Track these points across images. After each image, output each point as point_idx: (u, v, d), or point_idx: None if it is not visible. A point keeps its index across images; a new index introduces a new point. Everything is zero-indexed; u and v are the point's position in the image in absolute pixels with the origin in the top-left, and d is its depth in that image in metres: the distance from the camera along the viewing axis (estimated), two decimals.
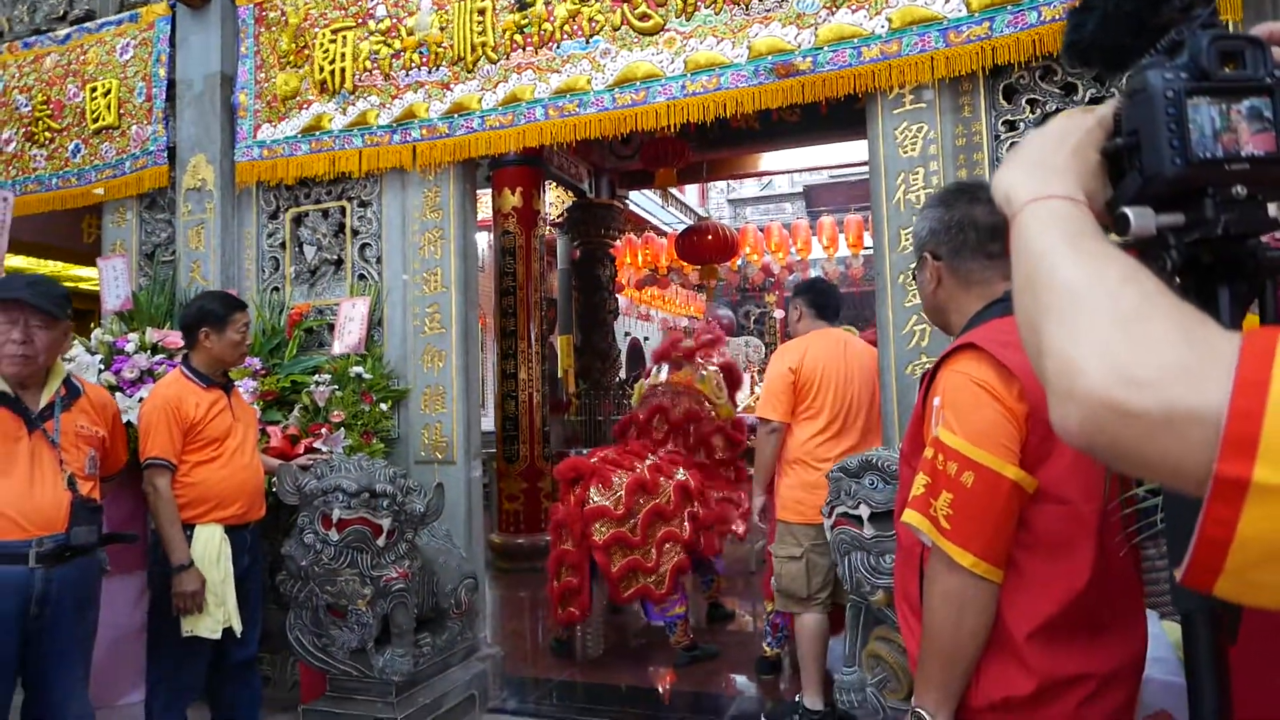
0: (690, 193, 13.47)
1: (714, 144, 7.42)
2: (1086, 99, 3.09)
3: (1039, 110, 3.17)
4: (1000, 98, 3.22)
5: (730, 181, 15.37)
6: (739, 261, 10.97)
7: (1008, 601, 1.31)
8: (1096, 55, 0.80)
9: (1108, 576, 1.32)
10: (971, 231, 1.48)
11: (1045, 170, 0.71)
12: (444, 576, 3.48)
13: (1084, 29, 0.79)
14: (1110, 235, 0.68)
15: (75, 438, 2.32)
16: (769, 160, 8.53)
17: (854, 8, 3.32)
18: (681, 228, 9.78)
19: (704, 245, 8.62)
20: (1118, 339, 0.53)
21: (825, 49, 3.35)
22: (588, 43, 3.74)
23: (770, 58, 3.41)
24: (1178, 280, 0.71)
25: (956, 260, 1.50)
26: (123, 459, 2.71)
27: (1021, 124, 3.19)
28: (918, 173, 3.29)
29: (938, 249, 1.52)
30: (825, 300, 3.82)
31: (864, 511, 2.54)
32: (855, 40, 3.30)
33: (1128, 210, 0.70)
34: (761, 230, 10.53)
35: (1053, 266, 0.61)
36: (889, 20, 3.26)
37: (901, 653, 2.53)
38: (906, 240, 3.27)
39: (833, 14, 3.35)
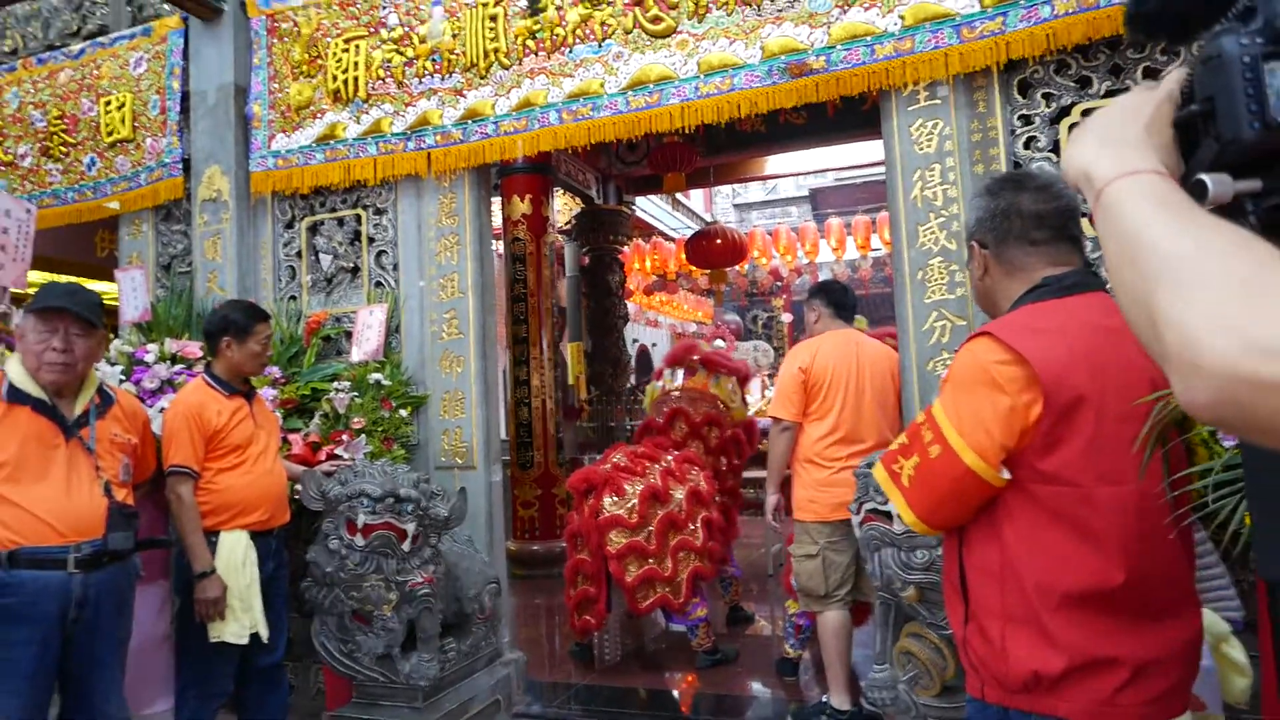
0: (696, 198, 13.49)
1: (721, 148, 7.44)
2: (1102, 91, 3.09)
3: (1054, 104, 3.17)
4: (1015, 92, 3.23)
5: (736, 186, 15.40)
6: (747, 265, 10.99)
7: (1025, 569, 1.34)
8: (1164, 24, 0.78)
9: (1147, 562, 1.32)
10: (1016, 219, 1.49)
11: (1123, 146, 0.71)
12: (466, 581, 3.48)
13: None
14: None
15: (110, 445, 2.33)
16: (776, 163, 8.54)
17: (866, 6, 3.33)
18: (688, 233, 9.79)
19: (713, 249, 8.63)
20: (1241, 308, 0.51)
21: (838, 47, 3.36)
22: (600, 46, 3.76)
23: (783, 57, 3.43)
24: None
25: (1001, 248, 1.52)
26: (152, 466, 2.73)
27: (1036, 118, 3.20)
28: (934, 169, 3.29)
29: (984, 238, 1.55)
30: (843, 299, 3.84)
31: (893, 507, 2.53)
32: (868, 38, 3.31)
33: (1205, 177, 0.69)
34: (769, 234, 10.55)
35: (1155, 239, 0.60)
36: (902, 18, 3.27)
37: (934, 649, 2.53)
38: (925, 237, 3.28)
39: (845, 12, 3.36)
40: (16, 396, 2.20)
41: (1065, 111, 3.15)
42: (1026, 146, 3.20)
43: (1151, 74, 3.08)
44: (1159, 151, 0.71)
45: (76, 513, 2.19)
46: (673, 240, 10.87)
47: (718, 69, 3.53)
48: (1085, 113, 3.10)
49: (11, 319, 2.80)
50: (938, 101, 3.28)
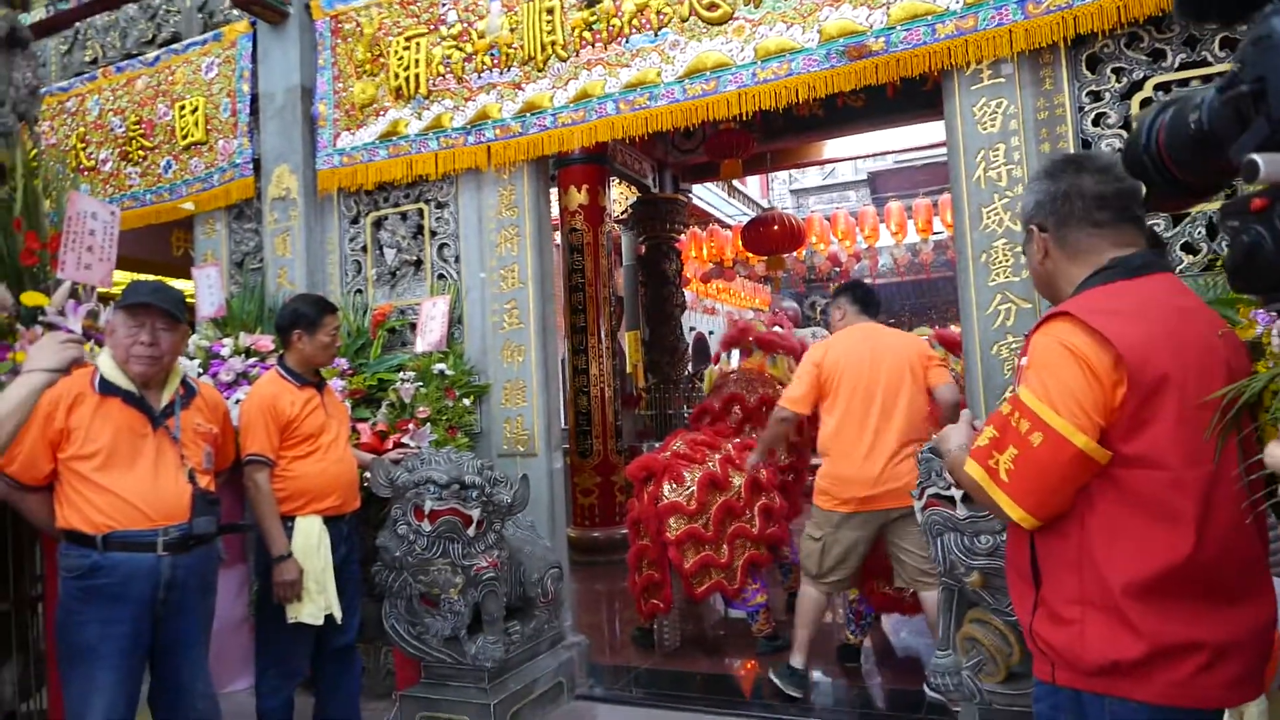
0: (752, 184, 13.39)
1: (778, 133, 7.37)
2: (1176, 64, 2.99)
3: (1125, 79, 3.07)
4: (1084, 68, 3.14)
5: (792, 172, 15.23)
6: (805, 251, 10.88)
7: (1104, 557, 1.32)
8: (1214, 7, 0.80)
9: (1223, 544, 1.30)
10: (1078, 201, 1.47)
11: None
12: (530, 566, 3.55)
13: None
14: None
15: (193, 434, 2.45)
16: (833, 147, 8.44)
17: None
18: (745, 220, 9.73)
19: (770, 236, 8.57)
20: None
21: (898, 28, 3.31)
22: (656, 35, 3.76)
23: (842, 40, 3.39)
24: None
25: (1062, 231, 1.49)
26: (232, 455, 2.84)
27: (1106, 94, 3.10)
28: (998, 149, 3.23)
29: (1044, 221, 1.53)
30: (867, 297, 3.96)
31: (957, 493, 2.51)
32: (929, 17, 3.25)
33: (1257, 157, 0.69)
34: (827, 219, 10.42)
35: None
36: None
37: (999, 635, 2.50)
38: (989, 218, 3.22)
39: None
40: (108, 389, 2.32)
41: (1137, 86, 3.05)
42: (1096, 123, 3.11)
43: (1230, 44, 2.96)
44: None
45: (164, 498, 2.31)
46: (729, 227, 10.81)
47: (775, 54, 3.51)
48: (1159, 87, 2.99)
49: (99, 316, 2.95)
50: (1002, 80, 3.21)
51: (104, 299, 3.05)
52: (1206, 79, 2.89)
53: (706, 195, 10.72)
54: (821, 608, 3.79)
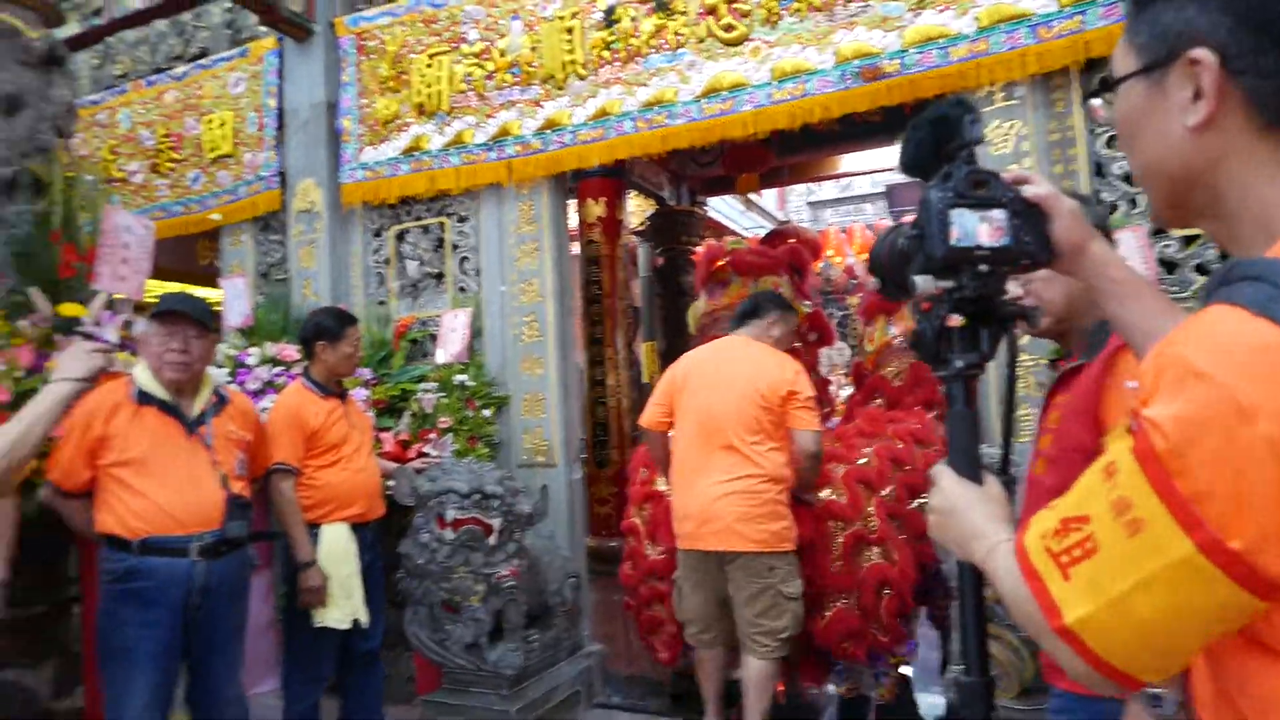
0: (769, 197, 13.44)
1: (795, 147, 7.42)
2: None
3: None
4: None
5: (809, 184, 15.28)
6: (821, 264, 10.92)
7: None
8: (917, 171, 1.13)
9: None
10: None
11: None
12: (549, 575, 3.62)
13: (907, 153, 1.14)
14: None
15: (226, 441, 2.53)
16: (850, 161, 8.48)
17: (941, 8, 3.33)
18: (761, 233, 9.78)
19: (809, 259, 8.59)
20: None
21: (912, 51, 3.37)
22: (674, 55, 3.85)
23: (856, 62, 3.46)
24: (955, 319, 1.07)
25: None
26: (264, 463, 2.93)
27: None
28: (1010, 170, 3.27)
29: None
30: (746, 306, 3.42)
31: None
32: (942, 40, 3.32)
33: (916, 278, 1.07)
34: (844, 231, 10.47)
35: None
36: (977, 19, 3.26)
37: (1012, 651, 2.54)
38: None
39: (918, 16, 3.37)
40: (144, 398, 2.42)
41: None
42: (1109, 145, 3.16)
43: None
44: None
45: (198, 504, 2.39)
46: (745, 240, 10.86)
47: (790, 75, 3.58)
48: None
49: (134, 326, 3.04)
50: (1014, 102, 3.26)
51: (138, 309, 3.15)
52: None
53: (723, 207, 10.77)
54: (707, 669, 3.27)
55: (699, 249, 9.04)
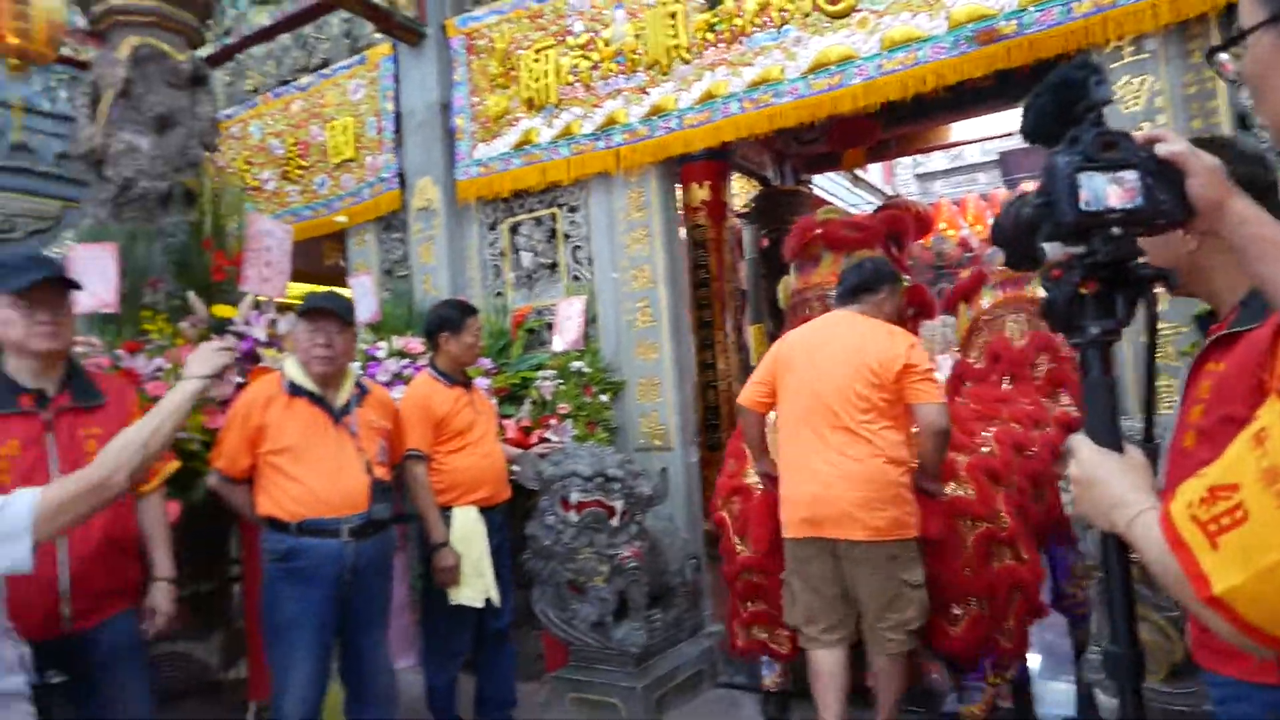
0: (875, 171, 13.10)
1: (902, 118, 7.20)
2: None
3: None
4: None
5: (917, 156, 14.81)
6: (933, 239, 10.59)
7: None
8: (1041, 138, 1.13)
9: None
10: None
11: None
12: (669, 556, 3.68)
13: (1029, 119, 1.15)
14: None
15: (368, 429, 2.69)
16: (961, 130, 8.18)
17: None
18: (869, 209, 9.56)
19: (909, 227, 8.38)
20: None
21: (1031, 9, 3.24)
22: (779, 32, 3.81)
23: (971, 26, 3.35)
24: (1090, 284, 1.08)
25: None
26: (401, 450, 3.09)
27: None
28: (1142, 128, 3.09)
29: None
30: (847, 278, 3.15)
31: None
32: None
33: (1045, 245, 1.10)
34: (955, 203, 10.12)
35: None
36: None
37: (1158, 632, 2.43)
38: None
39: None
40: (295, 390, 2.59)
41: None
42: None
43: None
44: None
45: (346, 489, 2.56)
46: (839, 211, 10.62)
47: (901, 44, 3.49)
48: None
49: (277, 324, 3.26)
50: (1145, 56, 3.09)
51: (280, 308, 3.37)
52: None
53: (828, 184, 10.58)
54: (826, 675, 2.87)
55: None
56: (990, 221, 10.00)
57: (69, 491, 1.62)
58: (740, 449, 3.38)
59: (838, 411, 2.82)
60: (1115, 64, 3.15)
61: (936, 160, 15.57)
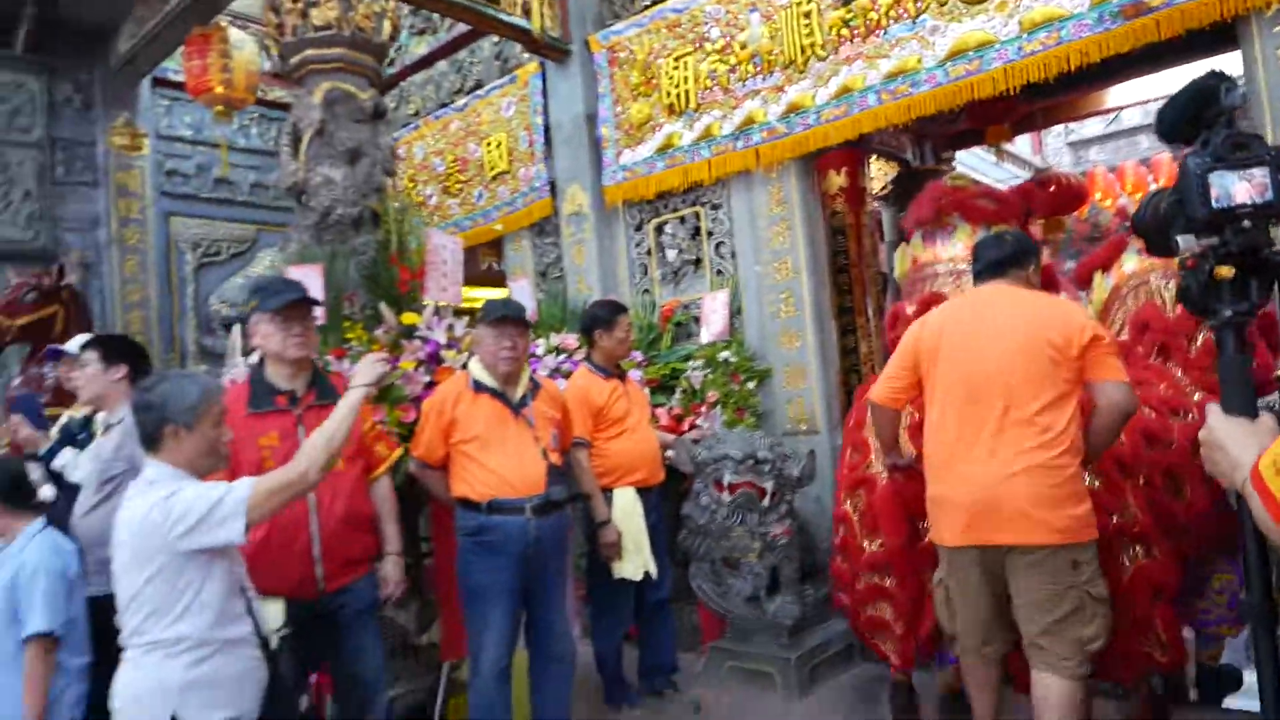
0: (1022, 142, 12.54)
1: (1047, 92, 6.96)
2: None
3: None
4: None
5: (1069, 124, 14.04)
6: (1088, 210, 10.08)
7: None
8: (1177, 136, 1.27)
9: None
10: None
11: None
12: (818, 536, 3.84)
13: (1164, 121, 1.29)
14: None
15: (542, 419, 3.02)
16: (1115, 95, 7.78)
17: None
18: (1017, 183, 9.23)
19: (1046, 199, 8.08)
20: None
21: None
22: (914, 23, 3.87)
23: (1116, 0, 3.30)
24: (1225, 270, 1.18)
25: None
26: (570, 438, 3.41)
27: None
28: None
29: None
30: (984, 251, 2.82)
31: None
32: None
33: (1179, 237, 1.23)
34: (1112, 170, 9.61)
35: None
36: None
37: None
38: None
39: None
40: (479, 387, 2.95)
41: None
42: None
43: None
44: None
45: (525, 472, 2.89)
46: (968, 179, 10.25)
47: (1041, 24, 3.49)
48: None
49: (455, 328, 3.64)
50: None
51: (456, 314, 3.75)
52: None
53: (972, 161, 10.26)
54: (987, 681, 2.67)
55: None
56: (1152, 188, 9.40)
57: (276, 482, 1.95)
58: (861, 439, 3.21)
59: (1007, 398, 2.46)
60: (1278, 27, 3.05)
61: (1091, 126, 14.67)
